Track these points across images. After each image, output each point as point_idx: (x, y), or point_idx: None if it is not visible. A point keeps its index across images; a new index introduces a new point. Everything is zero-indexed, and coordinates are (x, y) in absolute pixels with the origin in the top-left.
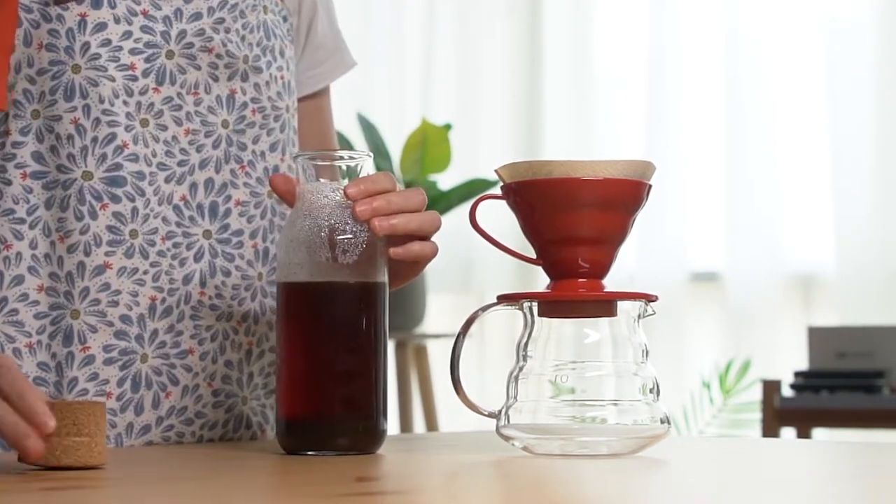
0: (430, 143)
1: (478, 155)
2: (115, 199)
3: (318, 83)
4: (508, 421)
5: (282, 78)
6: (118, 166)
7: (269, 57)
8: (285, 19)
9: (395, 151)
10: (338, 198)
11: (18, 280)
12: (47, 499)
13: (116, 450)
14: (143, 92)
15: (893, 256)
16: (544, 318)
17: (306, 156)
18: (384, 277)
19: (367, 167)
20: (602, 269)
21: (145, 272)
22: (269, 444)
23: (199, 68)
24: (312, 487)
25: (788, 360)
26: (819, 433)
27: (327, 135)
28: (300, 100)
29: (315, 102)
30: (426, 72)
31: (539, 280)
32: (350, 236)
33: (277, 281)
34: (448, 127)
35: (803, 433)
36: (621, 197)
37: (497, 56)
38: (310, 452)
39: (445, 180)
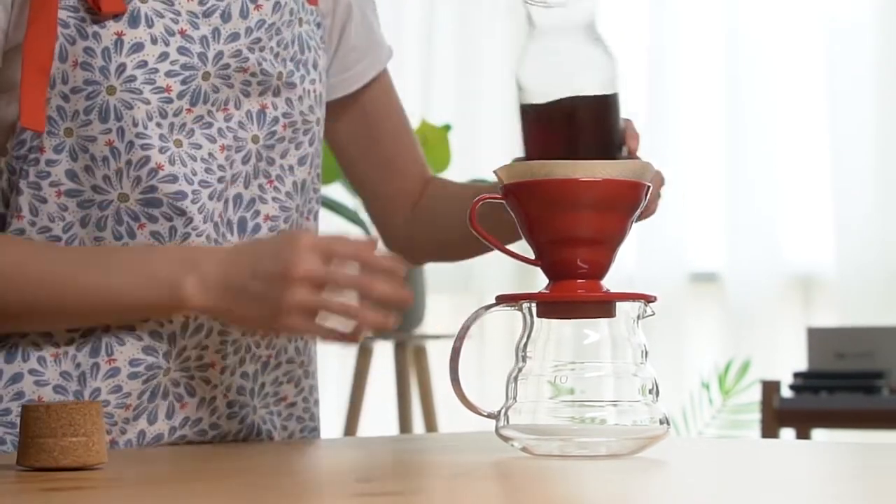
0: (430, 144)
1: (477, 156)
2: (153, 219)
3: (351, 85)
4: (508, 422)
5: (314, 91)
6: (153, 188)
7: (302, 71)
8: (319, 26)
9: None
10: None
11: None
12: (46, 500)
13: (116, 450)
14: (176, 113)
15: (893, 257)
16: (543, 319)
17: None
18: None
19: None
20: (601, 269)
21: None
22: (270, 447)
23: (231, 87)
24: (312, 488)
25: (788, 360)
26: (818, 434)
27: (397, 121)
28: (341, 100)
29: (371, 95)
30: (426, 72)
31: (538, 281)
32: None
33: (531, 104)
34: (447, 128)
35: (803, 434)
36: (620, 198)
37: (497, 57)
38: None
39: None
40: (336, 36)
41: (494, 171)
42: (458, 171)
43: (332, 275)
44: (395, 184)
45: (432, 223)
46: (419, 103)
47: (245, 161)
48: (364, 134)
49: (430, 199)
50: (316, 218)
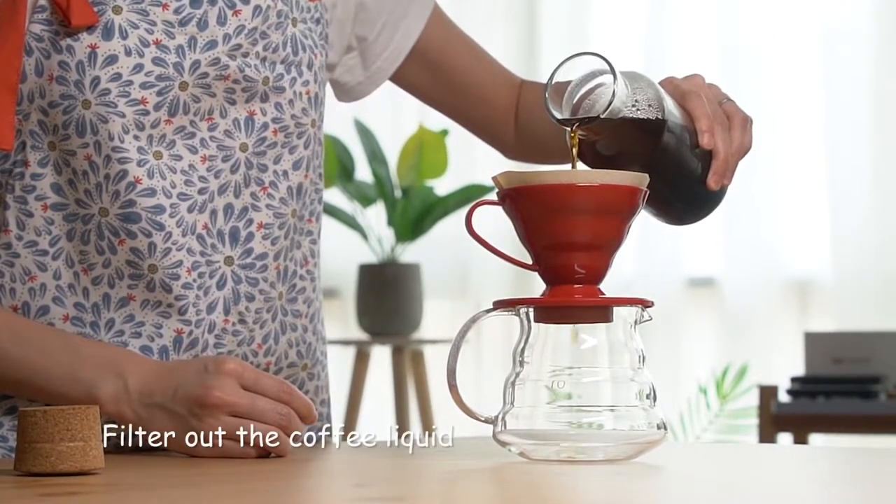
0: (427, 149)
1: (474, 160)
2: (131, 234)
3: (401, 54)
4: (505, 426)
5: (307, 93)
6: (131, 203)
7: (293, 73)
8: (318, 21)
9: (392, 157)
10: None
11: (44, 311)
12: None
13: (113, 455)
14: (154, 125)
15: (890, 261)
16: (541, 324)
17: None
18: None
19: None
20: (598, 274)
21: (170, 305)
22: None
23: (213, 95)
24: (310, 493)
25: (785, 365)
26: (815, 439)
27: (462, 51)
28: (405, 65)
29: (426, 42)
30: None
31: (536, 286)
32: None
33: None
34: (445, 132)
35: (800, 439)
36: (617, 203)
37: None
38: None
39: (442, 186)
40: (357, 18)
41: (493, 178)
42: (455, 176)
43: (249, 405)
44: (486, 108)
45: (534, 131)
46: (416, 108)
47: (234, 170)
48: (435, 79)
49: (526, 107)
50: (318, 219)
